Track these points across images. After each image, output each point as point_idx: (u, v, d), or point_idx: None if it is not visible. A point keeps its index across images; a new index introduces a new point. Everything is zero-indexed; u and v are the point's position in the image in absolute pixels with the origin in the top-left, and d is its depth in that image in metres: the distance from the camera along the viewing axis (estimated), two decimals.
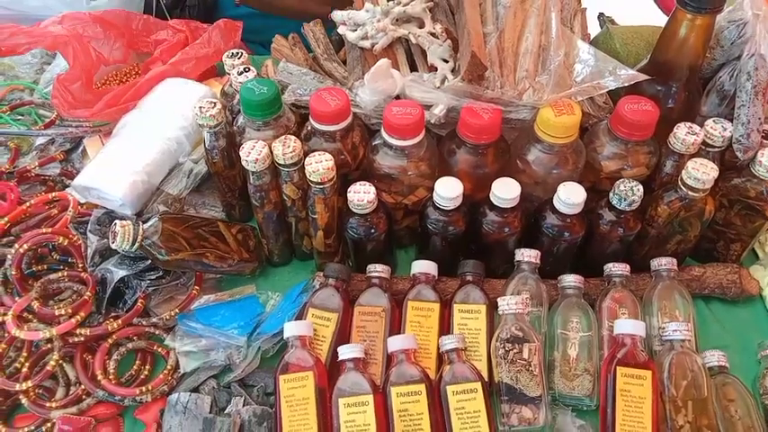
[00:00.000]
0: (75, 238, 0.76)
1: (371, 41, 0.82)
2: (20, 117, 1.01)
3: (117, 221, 0.70)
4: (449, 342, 0.68)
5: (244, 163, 0.71)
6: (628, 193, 0.70)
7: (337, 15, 0.86)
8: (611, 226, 0.73)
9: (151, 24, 1.03)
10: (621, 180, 0.71)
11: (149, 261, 0.74)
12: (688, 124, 0.73)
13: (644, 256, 0.77)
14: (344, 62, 0.89)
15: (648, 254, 0.77)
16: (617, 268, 0.75)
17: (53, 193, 0.84)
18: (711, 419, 0.65)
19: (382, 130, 0.73)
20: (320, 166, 0.69)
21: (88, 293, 0.72)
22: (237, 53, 0.83)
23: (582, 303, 0.73)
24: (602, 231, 0.73)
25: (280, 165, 0.72)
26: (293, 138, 0.72)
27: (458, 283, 0.76)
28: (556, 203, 0.71)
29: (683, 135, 0.72)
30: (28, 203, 0.82)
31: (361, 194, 0.71)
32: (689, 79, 0.75)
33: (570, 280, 0.74)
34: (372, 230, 0.73)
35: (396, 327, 0.73)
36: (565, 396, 0.69)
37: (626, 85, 0.72)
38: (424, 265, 0.75)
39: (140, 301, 0.74)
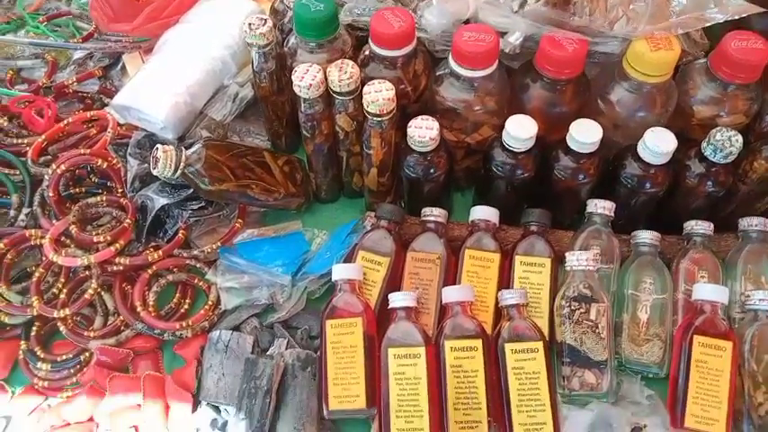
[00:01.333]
0: (114, 161, 0.72)
1: None
2: (57, 28, 0.96)
3: (159, 146, 0.65)
4: (510, 296, 0.62)
5: (296, 88, 0.65)
6: (725, 143, 0.62)
7: None
8: (699, 179, 0.65)
9: None
10: (718, 128, 0.63)
11: (191, 190, 0.70)
12: None
13: (729, 214, 0.70)
14: None
15: (734, 212, 0.69)
16: (700, 226, 0.67)
17: (92, 112, 0.79)
18: None
19: (449, 57, 0.65)
20: (380, 95, 0.62)
21: (128, 221, 0.68)
22: None
23: (657, 263, 0.67)
24: (689, 185, 0.66)
25: (335, 92, 0.65)
26: (350, 63, 0.65)
27: (520, 233, 0.70)
28: (640, 151, 0.64)
29: None
30: (66, 122, 0.78)
31: (423, 130, 0.64)
32: None
33: (646, 236, 0.67)
34: (432, 170, 0.67)
35: (451, 276, 0.67)
36: (632, 362, 0.63)
37: (734, 18, 0.63)
38: (484, 212, 0.69)
39: (182, 231, 0.70)
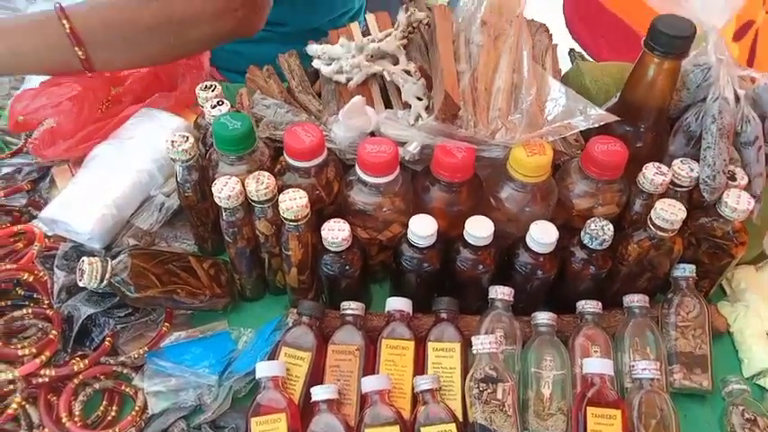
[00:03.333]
0: (40, 274, 0.74)
1: (346, 76, 0.83)
2: None
3: (84, 258, 0.69)
4: (423, 383, 0.67)
5: (216, 199, 0.70)
6: (599, 232, 0.71)
7: (312, 49, 0.86)
8: (582, 264, 0.74)
9: None
10: (592, 219, 0.72)
11: (118, 297, 0.73)
12: (656, 164, 0.74)
13: (615, 292, 0.78)
14: (320, 94, 0.89)
15: (620, 290, 0.78)
16: (589, 305, 0.75)
17: (19, 226, 0.82)
18: None
19: (356, 166, 0.73)
20: (294, 203, 0.69)
21: (54, 332, 0.70)
22: (211, 86, 0.82)
23: (555, 341, 0.74)
24: (575, 269, 0.74)
25: (253, 201, 0.71)
26: (267, 174, 0.71)
27: (432, 320, 0.76)
28: (529, 242, 0.72)
29: (652, 175, 0.73)
30: None
31: (336, 232, 0.70)
32: (657, 120, 0.77)
33: (543, 317, 0.74)
34: (347, 267, 0.73)
35: (370, 365, 0.72)
36: None
37: (596, 125, 0.74)
38: (398, 302, 0.75)
39: (108, 339, 0.72)
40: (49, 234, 0.81)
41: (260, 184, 0.70)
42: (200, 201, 0.79)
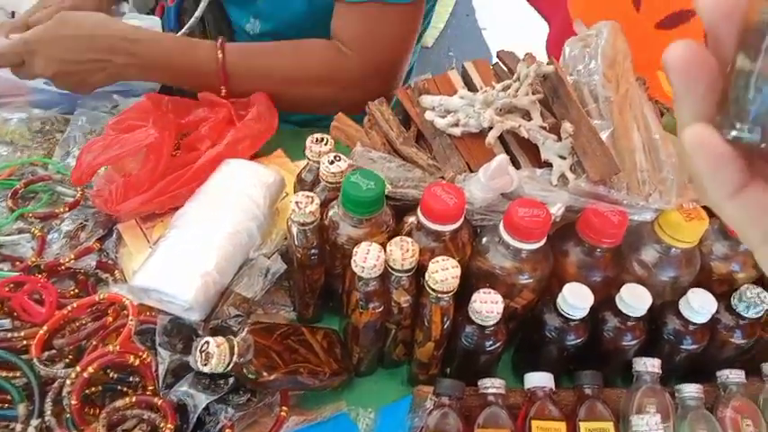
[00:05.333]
0: (144, 356, 0.64)
1: (462, 129, 0.77)
2: (32, 196, 0.88)
3: (210, 340, 0.60)
4: None
5: (357, 269, 0.63)
6: (755, 299, 0.68)
7: (427, 100, 0.80)
8: (729, 332, 0.70)
9: (181, 104, 0.93)
10: (746, 286, 0.69)
11: (231, 380, 0.64)
12: None
13: (749, 359, 0.75)
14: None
15: (756, 358, 0.75)
16: (735, 375, 0.71)
17: (101, 294, 0.71)
18: None
19: (501, 229, 0.67)
20: (448, 274, 0.62)
21: (169, 426, 0.60)
22: (322, 138, 0.75)
23: (707, 415, 0.69)
24: (722, 337, 0.71)
25: (394, 270, 0.64)
26: (409, 240, 0.65)
27: (570, 396, 0.70)
28: (684, 310, 0.68)
29: None
30: (69, 308, 0.69)
31: (489, 305, 0.64)
32: None
33: (692, 390, 0.70)
34: (491, 342, 0.67)
35: None
36: None
37: None
38: (541, 378, 0.69)
39: (228, 430, 0.63)
40: (135, 304, 0.71)
41: (405, 252, 0.63)
42: (316, 265, 0.71)
